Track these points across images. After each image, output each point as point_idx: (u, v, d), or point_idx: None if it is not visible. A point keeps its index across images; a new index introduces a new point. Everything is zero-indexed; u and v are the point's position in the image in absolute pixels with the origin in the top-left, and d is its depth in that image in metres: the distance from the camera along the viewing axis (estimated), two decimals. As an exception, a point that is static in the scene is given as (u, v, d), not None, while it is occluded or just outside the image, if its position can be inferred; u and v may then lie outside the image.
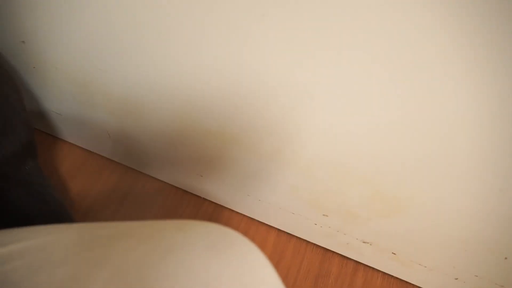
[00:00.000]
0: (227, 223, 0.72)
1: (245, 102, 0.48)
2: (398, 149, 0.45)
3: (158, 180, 0.75)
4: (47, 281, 0.32)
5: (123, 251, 0.32)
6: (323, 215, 0.61)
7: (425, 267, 0.61)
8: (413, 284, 0.67)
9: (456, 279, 0.60)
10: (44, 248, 0.35)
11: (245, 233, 0.71)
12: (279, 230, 0.71)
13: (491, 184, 0.42)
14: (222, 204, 0.72)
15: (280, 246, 0.70)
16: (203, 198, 0.73)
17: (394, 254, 0.62)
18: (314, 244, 0.70)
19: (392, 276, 0.67)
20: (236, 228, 0.71)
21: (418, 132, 0.41)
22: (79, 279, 0.32)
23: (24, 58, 0.59)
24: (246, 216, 0.72)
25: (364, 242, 0.62)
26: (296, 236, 0.70)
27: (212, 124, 0.55)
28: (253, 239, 0.70)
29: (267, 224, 0.71)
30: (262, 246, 0.70)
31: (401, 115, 0.41)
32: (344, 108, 0.42)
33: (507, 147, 0.39)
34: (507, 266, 0.52)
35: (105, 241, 0.34)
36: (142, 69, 0.52)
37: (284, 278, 0.67)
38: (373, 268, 0.68)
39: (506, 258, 0.51)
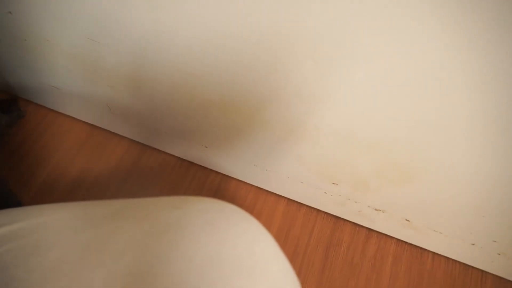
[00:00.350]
0: (234, 194, 0.70)
1: (246, 69, 0.45)
2: (409, 115, 0.42)
3: (163, 153, 0.73)
4: (40, 265, 0.31)
5: (117, 233, 0.31)
6: (333, 183, 0.59)
7: (441, 233, 0.59)
8: (428, 250, 0.65)
9: (473, 244, 0.57)
10: (36, 230, 0.34)
11: (254, 203, 0.69)
12: (288, 199, 0.69)
13: (510, 148, 0.39)
14: (229, 174, 0.71)
15: (290, 215, 0.68)
16: (210, 169, 0.72)
17: (408, 221, 0.60)
18: (325, 212, 0.68)
19: (406, 242, 0.65)
20: (244, 198, 0.70)
21: (430, 96, 0.38)
22: (71, 263, 0.30)
23: (13, 30, 0.56)
24: (254, 186, 0.70)
25: (376, 210, 0.60)
26: (306, 205, 0.68)
27: (213, 93, 0.52)
28: (262, 209, 0.69)
29: (276, 194, 0.69)
30: (271, 216, 0.68)
31: (412, 79, 0.37)
32: (350, 72, 0.39)
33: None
34: (528, 231, 0.49)
35: (99, 222, 0.33)
36: (138, 40, 0.49)
37: (295, 247, 0.66)
38: (386, 235, 0.66)
39: (527, 223, 0.48)
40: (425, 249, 0.65)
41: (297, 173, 0.60)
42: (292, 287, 0.31)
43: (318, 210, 0.68)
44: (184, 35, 0.45)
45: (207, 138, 0.62)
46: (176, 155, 0.72)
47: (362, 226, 0.67)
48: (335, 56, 0.38)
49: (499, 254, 0.56)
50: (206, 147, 0.65)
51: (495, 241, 0.54)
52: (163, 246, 0.29)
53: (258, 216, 0.69)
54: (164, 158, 0.72)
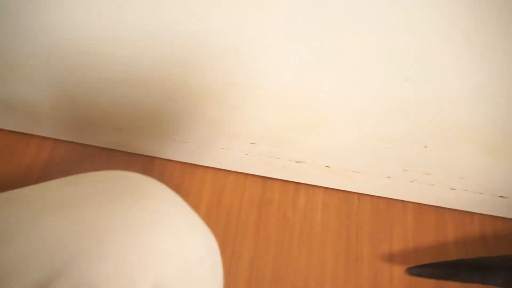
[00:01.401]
0: (160, 174, 0.69)
1: (138, 42, 0.44)
2: (304, 57, 0.43)
3: (79, 144, 0.70)
4: None
5: (3, 217, 0.29)
6: (251, 143, 0.59)
7: (359, 173, 0.62)
8: (353, 192, 0.68)
9: (389, 177, 0.61)
10: None
11: (181, 179, 0.69)
12: (215, 168, 0.69)
13: (397, 74, 0.41)
14: (151, 154, 0.69)
15: (218, 185, 0.69)
16: (131, 153, 0.70)
17: (328, 167, 0.62)
18: (252, 175, 0.69)
19: (332, 188, 0.68)
20: (170, 176, 0.69)
21: (322, 36, 0.39)
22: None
23: None
24: (178, 162, 0.69)
25: (297, 162, 0.62)
26: (233, 171, 0.69)
27: (112, 71, 0.50)
28: (190, 184, 0.69)
29: (201, 166, 0.69)
30: (200, 189, 0.68)
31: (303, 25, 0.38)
32: (245, 23, 0.39)
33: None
34: (428, 153, 0.53)
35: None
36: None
37: (228, 214, 0.66)
38: (313, 186, 0.69)
39: (426, 146, 0.52)
40: (350, 192, 0.68)
41: (215, 139, 0.60)
42: (203, 236, 0.32)
43: (245, 174, 0.69)
44: (67, 23, 0.42)
45: (118, 119, 0.60)
46: (93, 144, 0.69)
47: (290, 181, 0.69)
48: (226, 8, 0.38)
49: (411, 181, 0.61)
50: (121, 130, 0.63)
51: (405, 170, 0.58)
52: (56, 221, 0.28)
53: (187, 191, 0.68)
54: (81, 150, 0.69)
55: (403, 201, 0.68)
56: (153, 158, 0.70)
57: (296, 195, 0.68)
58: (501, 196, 0.60)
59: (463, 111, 0.45)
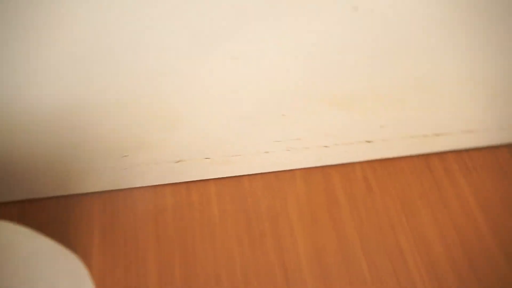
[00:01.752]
0: (42, 214, 0.65)
1: None
2: (144, 61, 0.43)
3: None
4: None
5: None
6: (123, 156, 0.58)
7: (239, 155, 0.64)
8: (241, 176, 0.70)
9: (267, 152, 0.64)
10: None
11: (66, 213, 0.65)
12: (99, 192, 0.66)
13: (222, 54, 0.43)
14: (26, 197, 0.64)
15: (108, 207, 0.66)
16: (4, 202, 0.64)
17: (208, 158, 0.63)
18: (139, 187, 0.67)
19: (221, 177, 0.69)
20: (54, 213, 0.65)
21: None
22: None
23: None
24: (58, 196, 0.65)
25: (176, 162, 0.62)
26: (119, 189, 0.67)
27: None
28: (77, 215, 0.65)
29: (84, 193, 0.66)
30: (89, 217, 0.65)
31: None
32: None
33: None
34: (288, 120, 0.56)
35: None
36: None
37: (124, 234, 0.64)
38: (202, 180, 0.69)
39: (283, 114, 0.54)
40: (238, 176, 0.70)
41: (86, 163, 0.58)
42: (59, 261, 0.31)
43: (131, 189, 0.67)
44: None
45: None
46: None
47: (179, 183, 0.68)
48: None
49: (288, 150, 0.64)
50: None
51: (277, 141, 0.61)
52: None
53: (75, 223, 0.65)
54: None
55: (290, 170, 0.71)
56: (30, 200, 0.65)
57: (188, 194, 0.68)
58: (367, 141, 0.66)
59: (297, 76, 0.48)
